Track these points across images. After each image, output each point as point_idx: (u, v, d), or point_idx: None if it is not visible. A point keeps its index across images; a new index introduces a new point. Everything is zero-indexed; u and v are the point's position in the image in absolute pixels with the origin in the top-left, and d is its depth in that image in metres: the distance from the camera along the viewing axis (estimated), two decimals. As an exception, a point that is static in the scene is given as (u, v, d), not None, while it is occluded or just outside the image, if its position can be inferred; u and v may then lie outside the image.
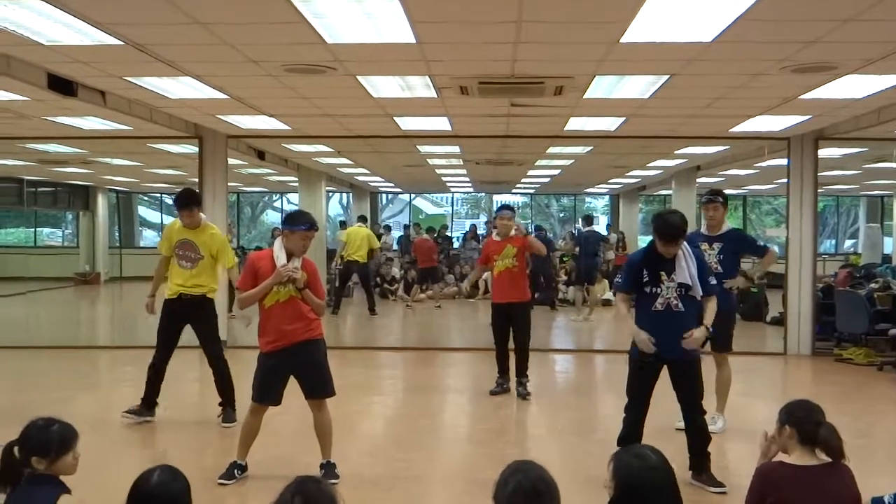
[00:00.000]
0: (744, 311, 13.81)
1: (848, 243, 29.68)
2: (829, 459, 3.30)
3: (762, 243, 7.38)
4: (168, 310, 7.10)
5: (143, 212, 29.88)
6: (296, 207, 20.34)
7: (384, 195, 30.26)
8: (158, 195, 28.59)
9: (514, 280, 8.27)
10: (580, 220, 18.80)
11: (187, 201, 7.05)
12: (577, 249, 16.00)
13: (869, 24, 5.70)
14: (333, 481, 5.19)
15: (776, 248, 8.50)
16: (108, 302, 21.78)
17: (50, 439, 3.20)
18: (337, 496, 2.48)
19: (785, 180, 11.66)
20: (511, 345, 8.45)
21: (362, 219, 17.62)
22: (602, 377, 10.36)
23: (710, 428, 5.69)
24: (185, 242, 7.07)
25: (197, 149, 11.63)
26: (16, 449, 3.17)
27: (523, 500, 2.47)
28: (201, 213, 7.20)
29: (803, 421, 3.37)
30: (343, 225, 22.11)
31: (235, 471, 5.51)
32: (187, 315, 7.07)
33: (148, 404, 7.16)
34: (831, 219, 29.29)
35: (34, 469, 3.16)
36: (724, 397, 7.01)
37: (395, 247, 22.29)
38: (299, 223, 5.43)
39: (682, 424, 5.73)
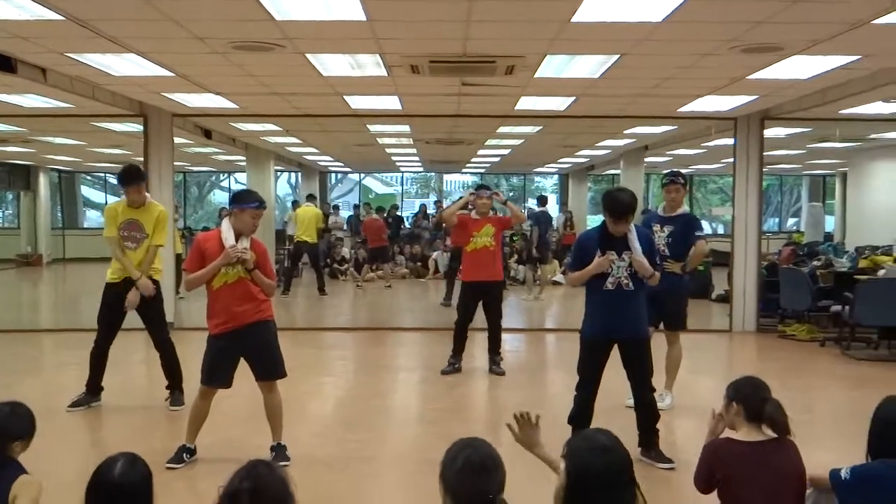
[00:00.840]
0: (690, 289, 13.99)
1: (791, 221, 30.28)
2: (775, 435, 3.36)
3: (699, 234, 7.07)
4: (112, 293, 6.90)
5: (87, 192, 29.31)
6: (244, 187, 20.11)
7: (333, 174, 30.06)
8: (102, 175, 28.03)
9: (489, 259, 8.31)
10: (536, 199, 18.90)
11: (134, 177, 6.85)
12: (534, 229, 16.07)
13: (818, 4, 5.78)
14: (284, 463, 5.16)
15: (706, 234, 8.08)
16: (51, 284, 21.36)
17: (27, 422, 3.27)
18: (288, 479, 2.45)
19: (731, 160, 11.82)
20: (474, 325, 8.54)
21: (311, 198, 17.47)
22: (553, 356, 10.44)
23: (658, 405, 5.76)
24: (130, 222, 6.87)
25: (141, 127, 11.40)
26: None
27: (472, 475, 2.47)
28: (146, 192, 7.05)
29: (750, 397, 3.42)
30: (296, 205, 22.00)
31: (184, 454, 5.45)
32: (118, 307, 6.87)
33: (93, 390, 7.03)
34: (775, 197, 29.84)
35: (11, 455, 3.18)
36: (674, 375, 7.10)
37: (344, 226, 22.19)
38: (249, 201, 5.36)
39: (631, 402, 5.79)
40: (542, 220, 15.99)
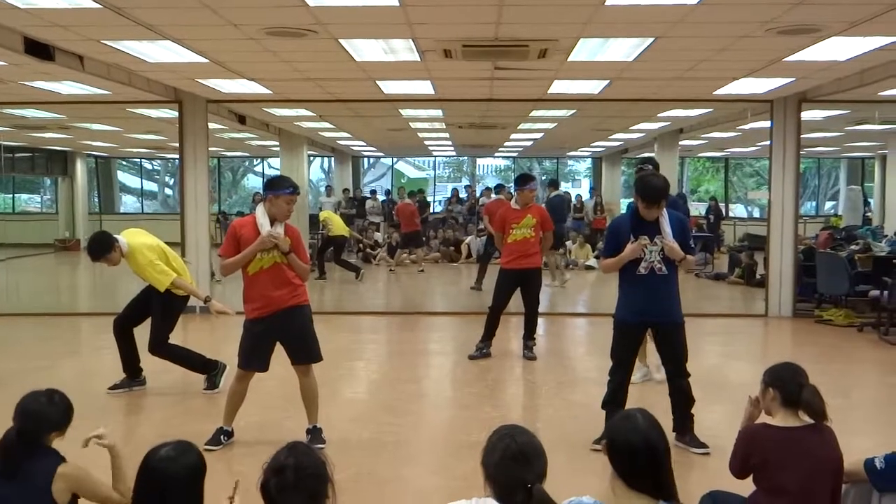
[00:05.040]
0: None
1: (828, 205, 29.84)
2: (812, 421, 3.34)
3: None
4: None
5: (123, 177, 29.61)
6: (277, 172, 20.25)
7: (366, 159, 30.11)
8: (138, 160, 28.35)
9: (529, 248, 8.32)
10: (547, 185, 18.67)
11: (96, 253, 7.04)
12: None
13: (854, -15, 5.69)
14: (320, 446, 5.22)
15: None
16: (89, 268, 21.61)
17: (64, 412, 3.29)
18: (326, 460, 2.51)
19: (767, 142, 11.67)
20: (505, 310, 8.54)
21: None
22: (585, 341, 10.42)
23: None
24: None
25: (177, 113, 11.52)
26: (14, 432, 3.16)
27: (512, 464, 2.49)
28: (114, 252, 6.99)
29: (786, 383, 3.41)
30: (329, 190, 22.37)
31: (222, 436, 5.53)
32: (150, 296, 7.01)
33: (130, 372, 7.14)
34: (812, 181, 29.42)
35: (48, 444, 3.20)
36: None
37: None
38: (283, 187, 5.40)
39: (659, 376, 5.79)
40: (554, 203, 15.67)
